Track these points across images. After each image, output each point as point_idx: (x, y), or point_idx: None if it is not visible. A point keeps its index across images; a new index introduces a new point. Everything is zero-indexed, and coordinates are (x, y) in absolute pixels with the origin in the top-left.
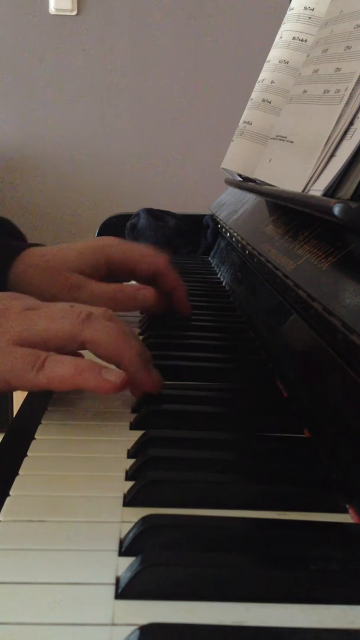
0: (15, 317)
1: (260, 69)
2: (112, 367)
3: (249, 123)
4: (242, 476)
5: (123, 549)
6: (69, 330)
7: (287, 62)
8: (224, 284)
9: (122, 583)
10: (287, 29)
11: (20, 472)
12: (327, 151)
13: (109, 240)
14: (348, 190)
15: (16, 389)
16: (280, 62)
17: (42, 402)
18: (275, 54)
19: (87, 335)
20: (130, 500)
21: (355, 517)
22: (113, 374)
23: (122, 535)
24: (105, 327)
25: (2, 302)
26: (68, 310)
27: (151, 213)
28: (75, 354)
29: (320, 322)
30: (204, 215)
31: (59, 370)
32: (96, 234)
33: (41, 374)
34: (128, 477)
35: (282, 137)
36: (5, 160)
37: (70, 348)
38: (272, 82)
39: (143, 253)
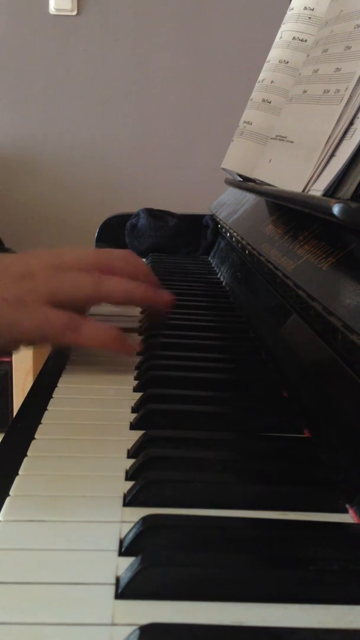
0: (42, 279)
1: (260, 69)
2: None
3: (249, 123)
4: (242, 476)
5: (123, 549)
6: (90, 293)
7: (287, 62)
8: (224, 284)
9: (122, 583)
10: (287, 29)
11: (20, 472)
12: (327, 151)
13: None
14: (348, 190)
15: (51, 344)
16: (280, 62)
17: (42, 402)
18: (275, 54)
19: (104, 295)
20: (130, 500)
21: (355, 517)
22: (131, 344)
23: (122, 535)
24: (115, 282)
25: (23, 263)
26: (85, 277)
27: (151, 213)
28: None
29: (320, 322)
30: (204, 215)
31: (95, 333)
32: (96, 234)
33: (80, 335)
34: (128, 477)
35: (282, 137)
36: (5, 160)
37: (89, 306)
38: (272, 82)
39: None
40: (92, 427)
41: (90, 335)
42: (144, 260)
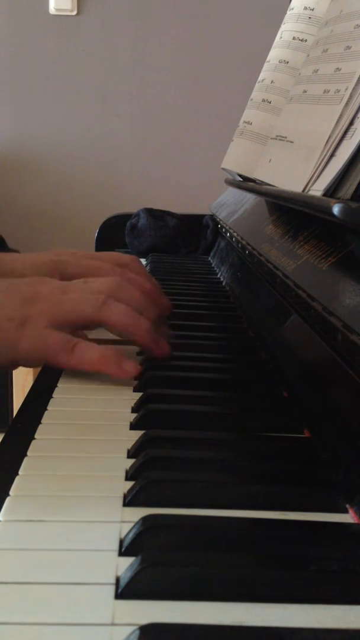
0: (48, 302)
1: (260, 69)
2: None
3: (249, 123)
4: (242, 476)
5: (123, 549)
6: (90, 314)
7: (287, 62)
8: (224, 284)
9: (122, 583)
10: (287, 29)
11: (20, 472)
12: (327, 151)
13: (66, 256)
14: (348, 190)
15: (50, 365)
16: (280, 62)
17: (42, 402)
18: (275, 54)
19: (104, 318)
20: (130, 500)
21: (355, 517)
22: (130, 365)
23: (122, 535)
24: (118, 311)
25: (32, 287)
26: (90, 297)
27: (151, 213)
28: None
29: (320, 322)
30: (204, 215)
31: (87, 356)
32: (96, 234)
33: (72, 357)
34: (128, 477)
35: (282, 137)
36: (5, 160)
37: (92, 327)
38: (272, 82)
39: (98, 267)
40: (92, 427)
41: (82, 358)
42: (144, 260)
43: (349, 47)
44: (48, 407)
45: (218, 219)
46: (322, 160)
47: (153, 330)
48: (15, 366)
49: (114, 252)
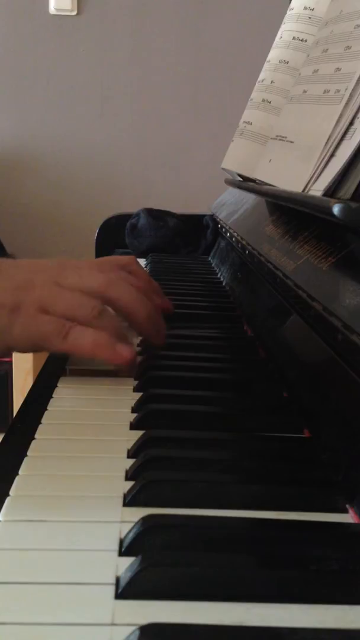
0: (41, 290)
1: (260, 69)
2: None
3: (249, 123)
4: (242, 476)
5: (123, 549)
6: (84, 316)
7: (287, 62)
8: (224, 284)
9: (122, 583)
10: (287, 29)
11: (20, 472)
12: (327, 151)
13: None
14: (348, 190)
15: (44, 351)
16: (280, 62)
17: (41, 402)
18: (275, 54)
19: (97, 323)
20: (130, 500)
21: (355, 517)
22: (125, 349)
23: (122, 535)
24: (112, 319)
25: (26, 274)
26: (84, 302)
27: (151, 213)
28: None
29: (320, 322)
30: (204, 215)
31: (81, 341)
32: (96, 234)
33: (66, 341)
34: (128, 477)
35: (282, 137)
36: (5, 160)
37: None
38: (272, 82)
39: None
40: (92, 427)
41: (76, 343)
42: (144, 260)
43: (349, 47)
44: (48, 407)
45: (218, 219)
46: (322, 160)
47: (153, 317)
48: (10, 351)
49: (113, 256)
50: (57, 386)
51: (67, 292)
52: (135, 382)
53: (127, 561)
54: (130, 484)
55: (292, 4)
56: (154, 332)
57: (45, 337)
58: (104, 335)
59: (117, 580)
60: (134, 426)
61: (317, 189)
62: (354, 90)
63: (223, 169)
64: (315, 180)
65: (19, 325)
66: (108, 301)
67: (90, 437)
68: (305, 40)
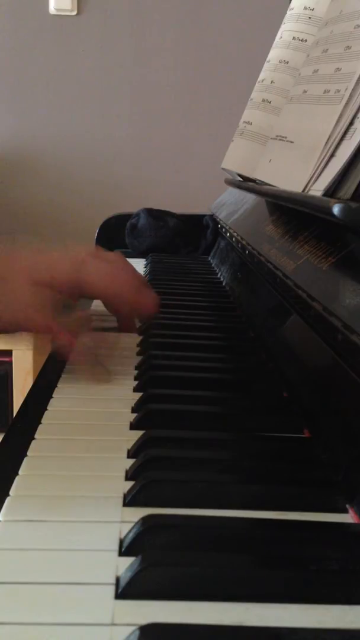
0: (24, 260)
1: (260, 69)
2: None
3: (249, 123)
4: (242, 476)
5: (123, 549)
6: (68, 272)
7: (287, 62)
8: (224, 284)
9: (122, 583)
10: (287, 29)
11: (20, 472)
12: (327, 151)
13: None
14: (348, 190)
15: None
16: (280, 62)
17: (41, 402)
18: (275, 54)
19: (84, 277)
20: (130, 500)
21: (355, 517)
22: (102, 373)
23: (122, 535)
24: (98, 269)
25: (10, 251)
26: (69, 256)
27: (151, 213)
28: None
29: (320, 322)
30: (204, 215)
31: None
32: (96, 234)
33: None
34: (128, 477)
35: (282, 137)
36: (5, 160)
37: (74, 293)
38: (272, 82)
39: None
40: (92, 427)
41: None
42: (144, 260)
43: (349, 47)
44: (48, 407)
45: (218, 219)
46: (322, 160)
47: (135, 290)
48: None
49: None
50: (57, 386)
51: (49, 255)
52: (135, 382)
53: (127, 561)
54: (130, 484)
55: (292, 4)
56: (141, 301)
57: (33, 327)
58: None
59: (117, 580)
60: (134, 426)
61: (317, 189)
62: (354, 90)
63: (223, 169)
64: (315, 180)
65: (4, 295)
66: (82, 285)
67: (90, 437)
68: (305, 40)
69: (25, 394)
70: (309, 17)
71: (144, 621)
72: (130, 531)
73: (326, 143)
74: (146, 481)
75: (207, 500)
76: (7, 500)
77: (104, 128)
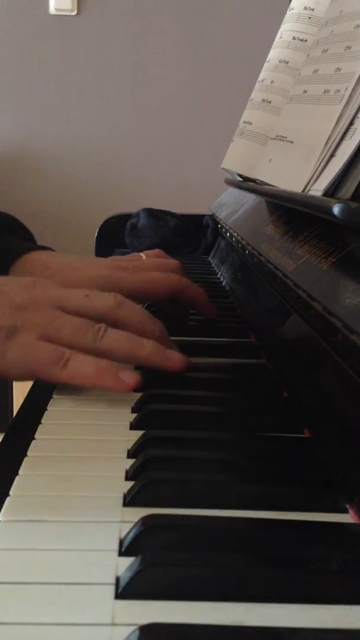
0: (43, 315)
1: (260, 69)
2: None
3: (249, 123)
4: (242, 476)
5: (123, 549)
6: (88, 344)
7: (287, 62)
8: (224, 284)
9: (122, 583)
10: (287, 29)
11: (20, 472)
12: (327, 151)
13: (121, 272)
14: (348, 190)
15: (40, 379)
16: (280, 62)
17: (41, 402)
18: (275, 54)
19: (103, 350)
20: (130, 500)
21: (355, 517)
22: (128, 376)
23: (122, 535)
24: (117, 339)
25: (27, 292)
26: (87, 326)
27: (151, 213)
28: None
29: (320, 322)
30: (204, 215)
31: (80, 369)
32: (96, 234)
33: (64, 371)
34: (128, 477)
35: (282, 137)
36: (5, 160)
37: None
38: (272, 82)
39: (154, 279)
40: (92, 427)
41: (76, 371)
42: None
43: (349, 47)
44: (48, 407)
45: (218, 219)
46: (322, 160)
47: (158, 347)
48: (2, 376)
49: (156, 258)
50: (57, 386)
51: (69, 317)
52: None
53: (127, 561)
54: (130, 484)
55: (292, 4)
56: (163, 360)
57: (43, 365)
58: (106, 364)
59: (117, 580)
60: (134, 426)
61: (317, 189)
62: (354, 90)
63: (223, 169)
64: (315, 180)
65: (15, 352)
66: (115, 323)
67: (90, 437)
68: (305, 40)
69: (25, 394)
70: (309, 17)
71: (144, 621)
72: (130, 531)
73: (326, 143)
74: (146, 481)
75: (207, 500)
76: (7, 500)
77: (104, 128)
